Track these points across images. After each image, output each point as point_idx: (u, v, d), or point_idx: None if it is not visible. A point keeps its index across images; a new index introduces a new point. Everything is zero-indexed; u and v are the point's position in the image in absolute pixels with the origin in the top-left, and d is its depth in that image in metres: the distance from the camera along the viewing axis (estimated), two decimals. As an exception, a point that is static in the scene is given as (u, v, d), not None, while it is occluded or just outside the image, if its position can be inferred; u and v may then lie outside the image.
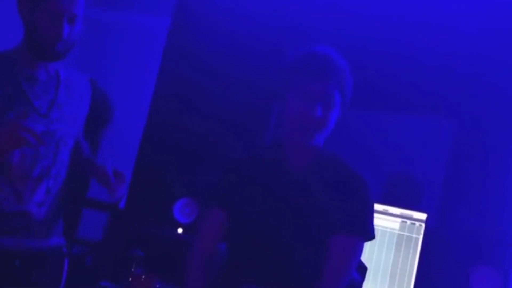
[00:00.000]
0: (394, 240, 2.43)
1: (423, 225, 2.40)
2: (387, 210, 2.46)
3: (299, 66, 1.67)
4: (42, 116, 1.77)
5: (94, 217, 3.89)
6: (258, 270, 1.70)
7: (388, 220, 2.46)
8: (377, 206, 2.45)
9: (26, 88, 1.77)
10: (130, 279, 2.40)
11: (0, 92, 1.72)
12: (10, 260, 1.78)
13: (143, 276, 2.37)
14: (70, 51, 1.82)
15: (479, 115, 2.52)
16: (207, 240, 1.82)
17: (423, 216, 2.41)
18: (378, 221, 2.46)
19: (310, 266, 1.67)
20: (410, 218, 2.43)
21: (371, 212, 1.72)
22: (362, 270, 2.04)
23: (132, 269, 2.44)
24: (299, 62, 1.68)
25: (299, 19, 2.77)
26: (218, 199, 1.80)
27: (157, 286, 2.41)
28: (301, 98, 1.63)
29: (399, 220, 2.44)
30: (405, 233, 2.42)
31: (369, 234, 1.70)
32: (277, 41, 2.70)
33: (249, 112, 2.29)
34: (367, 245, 2.34)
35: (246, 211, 1.73)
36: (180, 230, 2.68)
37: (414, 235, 2.41)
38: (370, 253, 2.44)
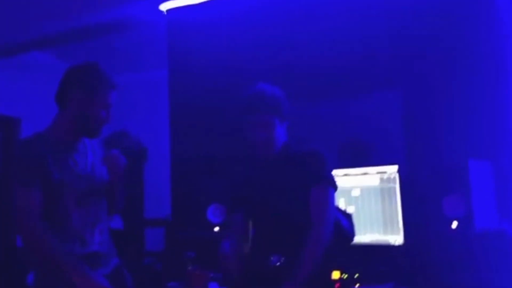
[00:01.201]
0: (378, 193, 2.60)
1: (397, 174, 2.57)
2: (367, 171, 2.64)
3: (242, 107, 2.04)
4: (83, 176, 1.97)
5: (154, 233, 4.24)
6: (276, 241, 1.98)
7: (369, 179, 2.63)
8: (357, 170, 2.65)
9: (68, 157, 1.95)
10: (188, 276, 2.73)
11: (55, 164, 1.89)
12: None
13: (197, 272, 2.66)
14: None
15: (422, 83, 2.68)
16: (237, 235, 2.08)
17: (394, 168, 2.58)
18: (361, 181, 2.64)
19: (304, 223, 1.93)
20: (385, 172, 2.59)
21: (329, 168, 2.02)
22: (348, 216, 2.30)
23: (189, 268, 2.69)
24: (241, 104, 2.05)
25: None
26: (238, 205, 2.13)
27: (211, 275, 2.74)
28: (248, 129, 2.02)
29: (378, 176, 2.61)
30: (385, 185, 2.58)
31: (332, 184, 2.00)
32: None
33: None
34: (360, 202, 2.57)
35: (256, 203, 2.05)
36: (216, 229, 2.95)
37: (392, 185, 2.57)
38: (362, 208, 2.62)
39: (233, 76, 3.04)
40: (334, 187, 2.01)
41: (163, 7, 3.42)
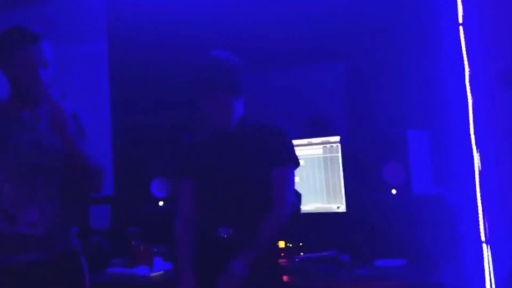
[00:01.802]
0: (321, 163, 2.64)
1: (339, 144, 2.62)
2: (310, 142, 2.67)
3: (195, 87, 1.93)
4: (21, 148, 1.78)
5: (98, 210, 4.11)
6: (225, 213, 1.93)
7: (313, 149, 2.67)
8: (302, 141, 2.66)
9: (8, 124, 1.80)
10: (132, 251, 2.68)
11: None
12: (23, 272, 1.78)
13: (141, 247, 2.63)
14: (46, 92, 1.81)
15: (363, 55, 2.71)
16: (186, 206, 2.03)
17: (337, 138, 2.62)
18: (306, 151, 2.67)
19: (258, 197, 1.93)
20: (328, 142, 2.64)
21: (292, 147, 2.00)
22: (298, 195, 2.36)
23: (133, 243, 2.65)
24: (195, 82, 1.94)
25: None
26: (186, 173, 2.04)
27: (155, 250, 2.70)
28: (205, 110, 1.94)
29: (321, 146, 2.66)
30: (328, 155, 2.63)
31: (295, 162, 1.99)
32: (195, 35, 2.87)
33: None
34: (304, 172, 2.60)
35: (205, 172, 1.98)
36: (161, 203, 2.90)
37: (335, 155, 2.62)
38: (306, 178, 2.65)
39: (177, 45, 2.94)
40: (296, 165, 1.99)
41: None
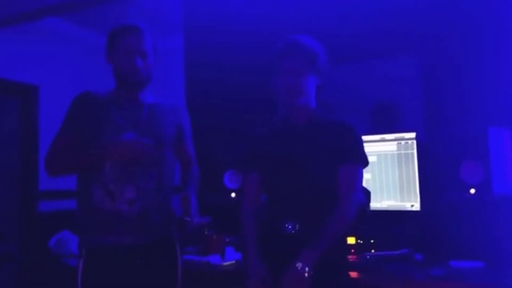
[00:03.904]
0: (395, 159, 2.58)
1: (415, 141, 2.55)
2: (384, 138, 2.62)
3: (276, 51, 1.94)
4: (121, 131, 1.88)
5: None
6: (291, 208, 1.89)
7: (386, 145, 2.61)
8: (375, 137, 2.63)
9: (112, 110, 1.93)
10: (205, 240, 2.76)
11: (89, 117, 1.91)
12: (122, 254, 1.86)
13: (214, 236, 2.72)
14: (148, 82, 1.98)
15: (442, 49, 2.62)
16: (252, 196, 2.02)
17: (412, 134, 2.55)
18: (379, 147, 2.63)
19: (326, 193, 1.88)
20: (403, 139, 2.57)
21: (361, 145, 1.95)
22: (367, 193, 2.30)
23: (206, 232, 2.74)
24: (276, 50, 1.95)
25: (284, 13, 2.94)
26: (253, 164, 2.02)
27: (227, 240, 2.77)
28: (279, 73, 1.92)
29: (395, 142, 2.59)
30: (402, 152, 2.57)
31: (363, 160, 1.94)
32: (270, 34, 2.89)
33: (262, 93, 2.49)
34: (377, 168, 2.55)
35: (274, 165, 1.95)
36: (233, 195, 2.96)
37: (409, 151, 2.55)
38: (379, 174, 2.60)
39: (251, 41, 2.98)
40: (365, 164, 1.95)
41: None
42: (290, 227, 1.87)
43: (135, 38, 1.92)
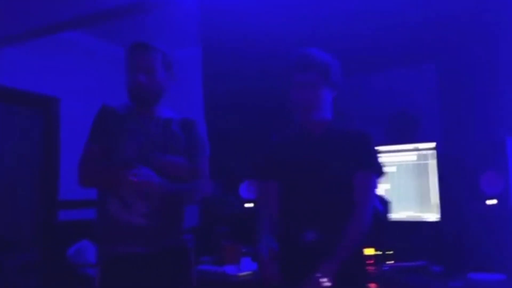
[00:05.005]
0: (414, 170, 2.55)
1: (434, 151, 2.52)
2: (402, 148, 2.59)
3: (289, 66, 1.95)
4: (134, 146, 1.91)
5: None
6: (310, 218, 1.87)
7: (405, 155, 2.58)
8: (394, 147, 2.60)
9: (127, 127, 1.96)
10: (221, 250, 2.75)
11: (109, 130, 1.95)
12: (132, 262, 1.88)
13: (230, 247, 2.67)
14: (158, 97, 2.01)
15: (457, 56, 2.60)
16: (268, 205, 1.99)
17: (432, 144, 2.53)
18: (398, 157, 2.60)
19: (343, 202, 1.86)
20: (422, 149, 2.54)
21: (375, 154, 1.93)
22: (386, 203, 2.28)
23: (222, 242, 2.72)
24: (290, 63, 1.95)
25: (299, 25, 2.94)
26: (269, 173, 2.00)
27: (243, 250, 2.75)
28: (294, 88, 1.93)
29: (414, 153, 2.57)
30: (422, 162, 2.54)
31: (378, 169, 1.92)
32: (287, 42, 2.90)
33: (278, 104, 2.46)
34: (396, 178, 2.52)
35: (290, 175, 1.94)
36: (249, 205, 2.93)
37: (429, 161, 2.52)
38: (398, 185, 2.57)
39: (268, 51, 2.99)
40: (380, 173, 1.93)
41: (195, -16, 3.40)
42: (309, 236, 1.85)
43: (140, 55, 1.97)
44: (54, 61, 4.37)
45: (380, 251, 2.52)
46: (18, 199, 4.20)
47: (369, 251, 2.47)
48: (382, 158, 1.94)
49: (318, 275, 1.73)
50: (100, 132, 1.99)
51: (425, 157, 2.56)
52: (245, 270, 2.54)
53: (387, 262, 2.48)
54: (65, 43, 4.36)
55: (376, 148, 1.94)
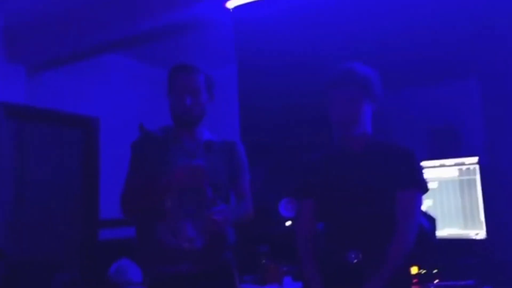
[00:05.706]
0: (457, 186, 2.49)
1: (477, 166, 2.46)
2: (444, 164, 2.54)
3: (329, 81, 1.91)
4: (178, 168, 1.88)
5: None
6: (354, 237, 1.82)
7: (447, 171, 2.53)
8: (434, 162, 2.55)
9: (171, 148, 1.97)
10: (262, 269, 2.74)
11: (152, 156, 1.96)
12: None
13: (271, 266, 2.69)
14: (201, 118, 2.01)
15: (502, 71, 2.54)
16: (307, 224, 1.96)
17: (474, 159, 2.47)
18: (439, 173, 2.54)
19: (386, 221, 1.81)
20: (464, 164, 2.49)
21: (420, 171, 1.87)
22: (432, 220, 2.21)
23: (263, 261, 2.73)
24: (329, 79, 1.92)
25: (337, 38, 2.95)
26: (308, 192, 1.96)
27: (284, 269, 2.74)
28: (334, 104, 1.89)
29: (456, 168, 2.51)
30: (465, 177, 2.48)
31: (422, 187, 1.86)
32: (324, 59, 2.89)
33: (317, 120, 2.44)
34: (438, 195, 2.47)
35: (331, 193, 1.90)
36: (289, 223, 2.92)
37: (472, 177, 2.46)
38: (440, 201, 2.51)
39: (303, 70, 3.00)
40: (424, 191, 1.88)
41: (229, 4, 3.45)
42: (353, 256, 1.81)
43: (185, 77, 1.98)
44: (93, 83, 4.50)
45: (425, 269, 2.46)
46: (59, 219, 4.30)
47: (413, 270, 2.42)
48: (425, 174, 1.90)
49: None
50: (142, 159, 1.99)
51: (467, 172, 2.50)
52: (287, 289, 2.53)
53: (433, 282, 2.41)
54: (104, 65, 4.49)
55: (420, 163, 1.90)
